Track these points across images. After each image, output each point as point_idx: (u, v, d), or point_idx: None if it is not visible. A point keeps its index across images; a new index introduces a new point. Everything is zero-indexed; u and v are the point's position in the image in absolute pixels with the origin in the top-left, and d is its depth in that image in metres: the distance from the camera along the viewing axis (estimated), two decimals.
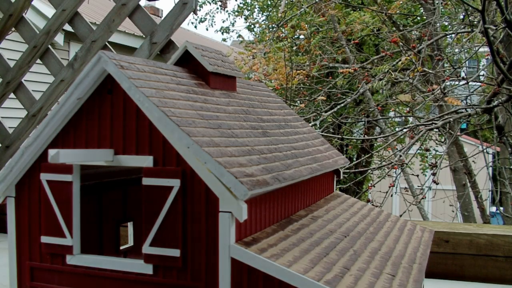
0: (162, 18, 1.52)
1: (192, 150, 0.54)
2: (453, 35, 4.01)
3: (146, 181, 0.57)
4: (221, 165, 0.53)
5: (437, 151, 4.20)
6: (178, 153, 0.55)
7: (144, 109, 0.57)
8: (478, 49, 3.35)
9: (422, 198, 3.36)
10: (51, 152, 0.52)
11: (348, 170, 3.20)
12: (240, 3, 8.56)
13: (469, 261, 1.28)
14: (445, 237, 1.29)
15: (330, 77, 4.93)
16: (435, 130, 3.17)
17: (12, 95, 1.75)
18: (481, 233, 1.28)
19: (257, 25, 8.19)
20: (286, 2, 4.95)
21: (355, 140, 4.97)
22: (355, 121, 4.96)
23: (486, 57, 4.40)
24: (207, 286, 0.55)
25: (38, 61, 1.71)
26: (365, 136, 4.85)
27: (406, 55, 3.37)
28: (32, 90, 1.77)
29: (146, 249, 0.57)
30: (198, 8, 1.49)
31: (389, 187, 3.01)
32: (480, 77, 3.46)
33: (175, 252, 0.56)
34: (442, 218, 4.30)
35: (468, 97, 3.69)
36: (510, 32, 2.23)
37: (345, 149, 5.84)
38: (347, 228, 0.74)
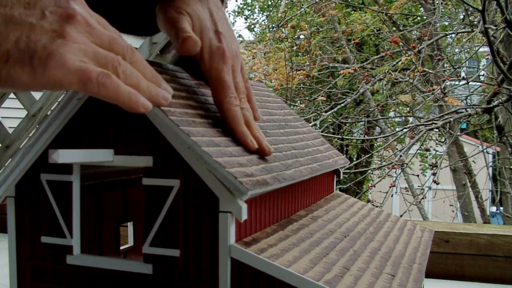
0: None
1: (192, 150, 0.54)
2: (453, 35, 4.01)
3: (146, 181, 0.57)
4: (221, 165, 0.53)
5: (437, 151, 4.20)
6: (178, 153, 0.55)
7: None
8: (478, 49, 3.35)
9: (422, 198, 3.37)
10: (51, 152, 0.52)
11: (348, 170, 3.21)
12: (241, 3, 8.57)
13: (469, 261, 1.28)
14: (445, 237, 1.29)
15: (331, 77, 4.93)
16: (435, 130, 3.17)
17: (12, 95, 1.75)
18: (481, 233, 1.28)
19: (257, 25, 8.20)
20: (287, 2, 4.95)
21: (355, 140, 4.97)
22: (355, 121, 4.96)
23: (486, 57, 4.40)
24: (207, 286, 0.55)
25: None
26: (365, 136, 4.85)
27: (406, 55, 3.37)
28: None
29: (146, 249, 0.57)
30: None
31: (390, 187, 3.02)
32: (480, 77, 3.46)
33: (175, 252, 0.56)
34: (442, 218, 4.30)
35: (468, 97, 3.69)
36: (510, 32, 2.23)
37: (345, 149, 5.84)
38: (347, 228, 0.74)
